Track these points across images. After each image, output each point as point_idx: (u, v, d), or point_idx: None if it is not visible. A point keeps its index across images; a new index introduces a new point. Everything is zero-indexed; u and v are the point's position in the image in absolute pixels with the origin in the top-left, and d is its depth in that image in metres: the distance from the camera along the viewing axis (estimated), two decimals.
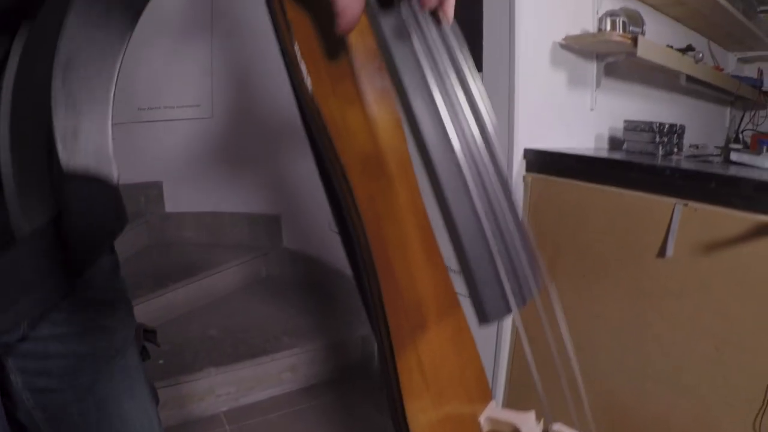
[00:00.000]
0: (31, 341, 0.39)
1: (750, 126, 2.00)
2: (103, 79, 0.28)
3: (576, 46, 1.23)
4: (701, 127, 1.93)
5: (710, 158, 1.17)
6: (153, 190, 1.91)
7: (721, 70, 1.62)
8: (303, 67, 0.28)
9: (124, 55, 0.28)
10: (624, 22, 1.23)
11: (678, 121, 1.30)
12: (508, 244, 0.28)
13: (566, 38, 1.21)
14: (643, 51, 1.15)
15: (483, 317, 0.25)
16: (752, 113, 1.97)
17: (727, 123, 2.08)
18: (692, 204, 0.94)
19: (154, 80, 1.83)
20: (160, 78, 1.85)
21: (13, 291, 0.37)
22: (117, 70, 0.28)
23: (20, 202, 0.31)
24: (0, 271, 0.34)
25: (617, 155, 1.18)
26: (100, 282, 0.44)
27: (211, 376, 1.45)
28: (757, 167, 1.13)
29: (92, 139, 0.28)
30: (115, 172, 0.30)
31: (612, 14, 1.28)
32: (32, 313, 0.38)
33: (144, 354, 0.56)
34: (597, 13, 1.31)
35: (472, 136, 0.28)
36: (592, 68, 1.31)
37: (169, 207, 1.92)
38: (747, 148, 1.85)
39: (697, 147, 1.65)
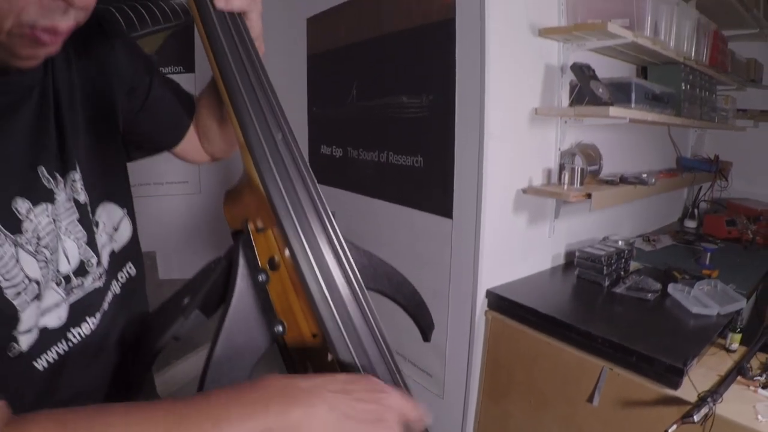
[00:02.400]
0: None
1: (707, 196, 2.23)
2: None
3: (537, 195, 1.42)
4: (660, 201, 2.15)
5: (648, 295, 1.40)
6: (147, 260, 2.05)
7: (676, 175, 1.82)
8: None
9: None
10: (582, 170, 1.41)
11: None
12: None
13: (528, 189, 1.40)
14: (597, 203, 1.35)
15: None
16: (709, 185, 2.20)
17: (685, 195, 2.30)
18: (617, 369, 1.18)
19: (145, 159, 1.94)
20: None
21: None
22: None
23: None
24: None
25: (565, 302, 1.40)
26: None
27: None
28: (687, 309, 1.36)
29: None
30: None
31: (570, 154, 1.46)
32: None
33: None
34: (559, 149, 1.49)
35: None
36: (551, 203, 1.51)
37: (162, 274, 2.10)
38: (701, 225, 2.10)
39: (649, 240, 1.88)
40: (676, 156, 2.13)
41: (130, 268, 0.63)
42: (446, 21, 1.37)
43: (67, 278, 0.51)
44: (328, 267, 0.51)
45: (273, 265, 0.53)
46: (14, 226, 0.45)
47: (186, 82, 2.14)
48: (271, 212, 0.51)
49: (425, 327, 0.69)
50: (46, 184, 0.50)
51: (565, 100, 1.49)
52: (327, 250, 0.51)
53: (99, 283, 0.55)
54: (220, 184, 2.01)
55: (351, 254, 0.53)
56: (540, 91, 1.45)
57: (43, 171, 0.49)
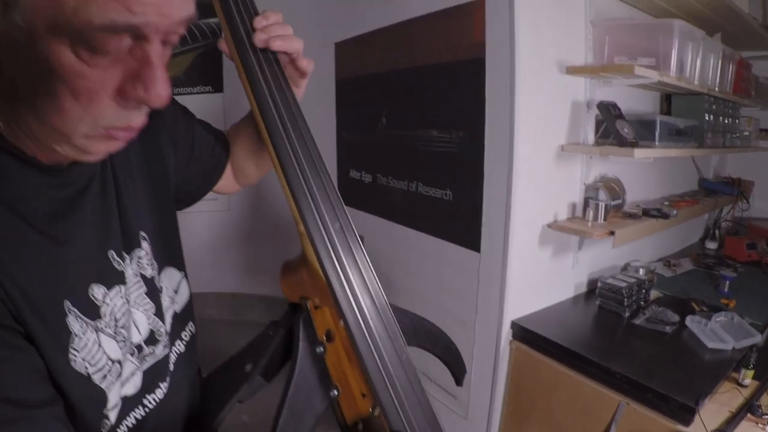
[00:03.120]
0: None
1: (729, 215, 2.30)
2: None
3: (561, 231, 1.51)
4: (680, 224, 2.22)
5: (666, 327, 1.49)
6: None
7: (697, 202, 1.90)
8: None
9: None
10: (606, 206, 1.50)
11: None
12: None
13: (553, 225, 1.49)
14: (620, 240, 1.43)
15: None
16: (730, 207, 2.26)
17: (706, 216, 2.37)
18: (633, 404, 1.29)
19: None
20: None
21: None
22: None
23: None
24: None
25: (586, 332, 1.50)
26: None
27: None
28: (703, 343, 1.45)
29: None
30: None
31: (594, 189, 1.54)
32: None
33: None
34: (583, 183, 1.57)
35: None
36: (575, 237, 1.60)
37: (193, 288, 2.23)
38: (721, 247, 2.17)
39: (669, 264, 1.97)
40: (699, 177, 2.20)
41: (191, 327, 0.68)
42: (476, 60, 1.45)
43: (139, 347, 0.54)
44: (380, 339, 0.59)
45: (329, 337, 0.62)
46: (93, 312, 0.48)
47: (214, 101, 2.24)
48: (329, 294, 0.59)
49: (458, 374, 0.79)
50: (116, 266, 0.52)
51: (591, 135, 1.57)
52: (378, 326, 0.60)
53: (167, 350, 0.60)
54: (249, 202, 2.12)
55: (396, 318, 0.61)
56: (567, 127, 1.52)
57: (113, 254, 0.52)
